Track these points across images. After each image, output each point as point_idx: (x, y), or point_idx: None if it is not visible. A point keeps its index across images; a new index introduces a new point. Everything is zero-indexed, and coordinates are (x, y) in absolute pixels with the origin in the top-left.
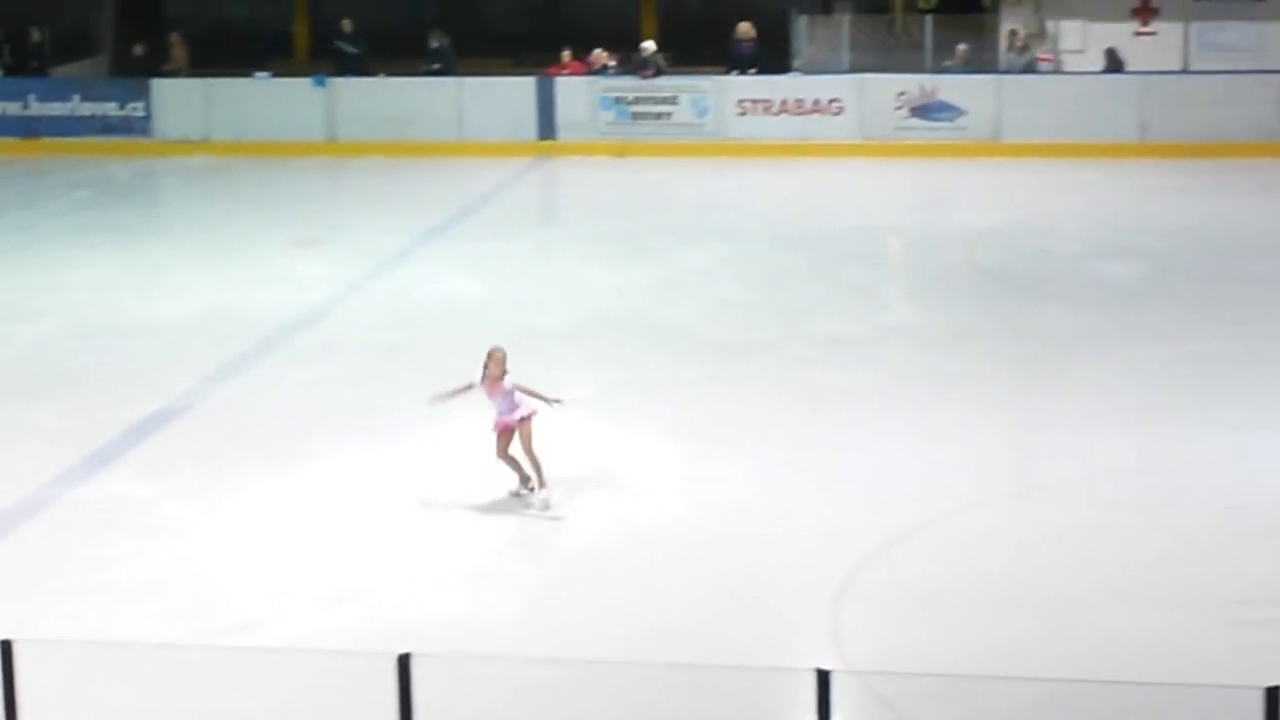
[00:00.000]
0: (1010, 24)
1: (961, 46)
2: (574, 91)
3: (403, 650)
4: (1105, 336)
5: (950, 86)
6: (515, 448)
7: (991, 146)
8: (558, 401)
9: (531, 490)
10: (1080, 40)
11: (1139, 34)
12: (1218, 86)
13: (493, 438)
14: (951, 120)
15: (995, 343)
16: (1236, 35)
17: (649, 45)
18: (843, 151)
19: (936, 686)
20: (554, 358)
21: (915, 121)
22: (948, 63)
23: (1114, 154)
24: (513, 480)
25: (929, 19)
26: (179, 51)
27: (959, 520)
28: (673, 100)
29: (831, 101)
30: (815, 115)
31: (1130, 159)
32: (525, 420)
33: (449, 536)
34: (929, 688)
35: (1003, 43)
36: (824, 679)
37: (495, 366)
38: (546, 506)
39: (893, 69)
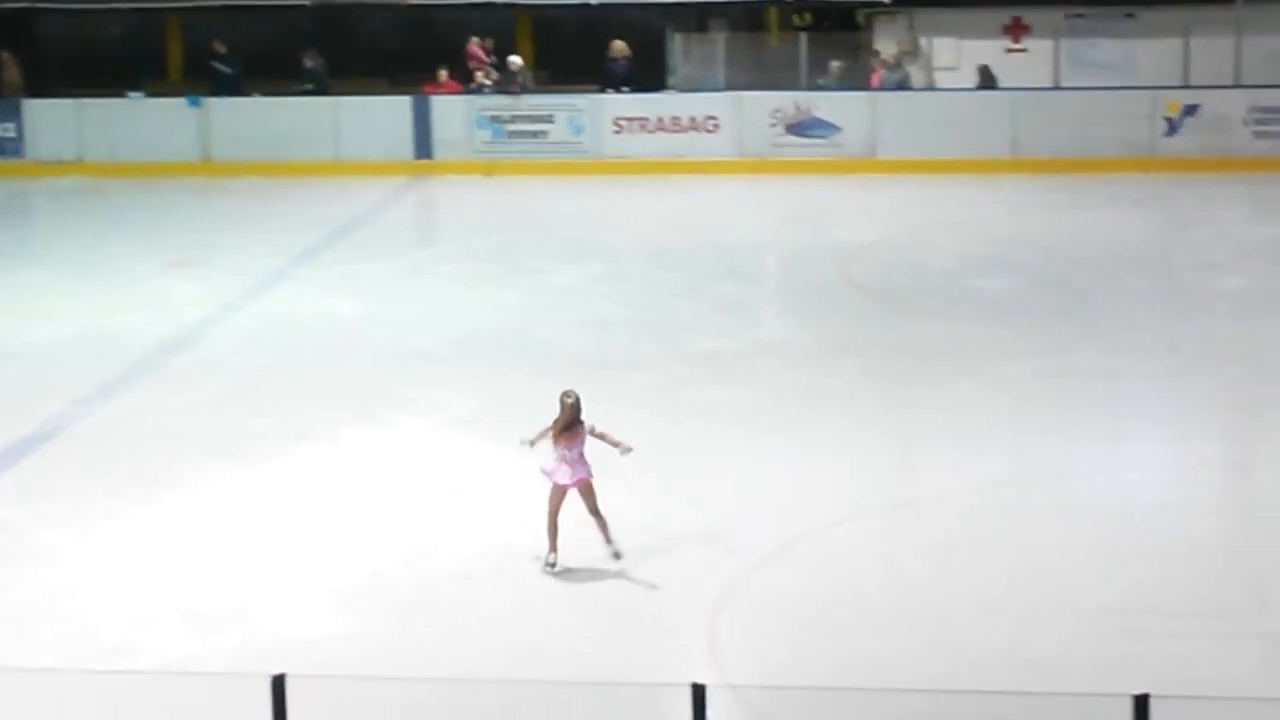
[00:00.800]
0: (884, 41)
1: (836, 64)
2: (450, 110)
3: (277, 672)
4: (978, 351)
5: (825, 104)
6: (568, 508)
7: (866, 163)
8: (629, 450)
9: (617, 555)
10: (953, 57)
11: (1010, 51)
12: (1088, 103)
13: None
14: (827, 137)
15: (869, 358)
16: (1107, 52)
17: (516, 60)
18: (719, 169)
19: (812, 699)
20: (430, 378)
21: (791, 139)
22: (822, 80)
23: (987, 170)
24: (541, 549)
25: (804, 36)
26: (11, 72)
27: (834, 535)
28: (549, 119)
29: (707, 119)
30: (691, 133)
31: (1003, 174)
32: (584, 482)
33: (324, 557)
34: (805, 701)
35: (876, 61)
36: (699, 693)
37: (567, 413)
38: (618, 556)
39: (768, 86)
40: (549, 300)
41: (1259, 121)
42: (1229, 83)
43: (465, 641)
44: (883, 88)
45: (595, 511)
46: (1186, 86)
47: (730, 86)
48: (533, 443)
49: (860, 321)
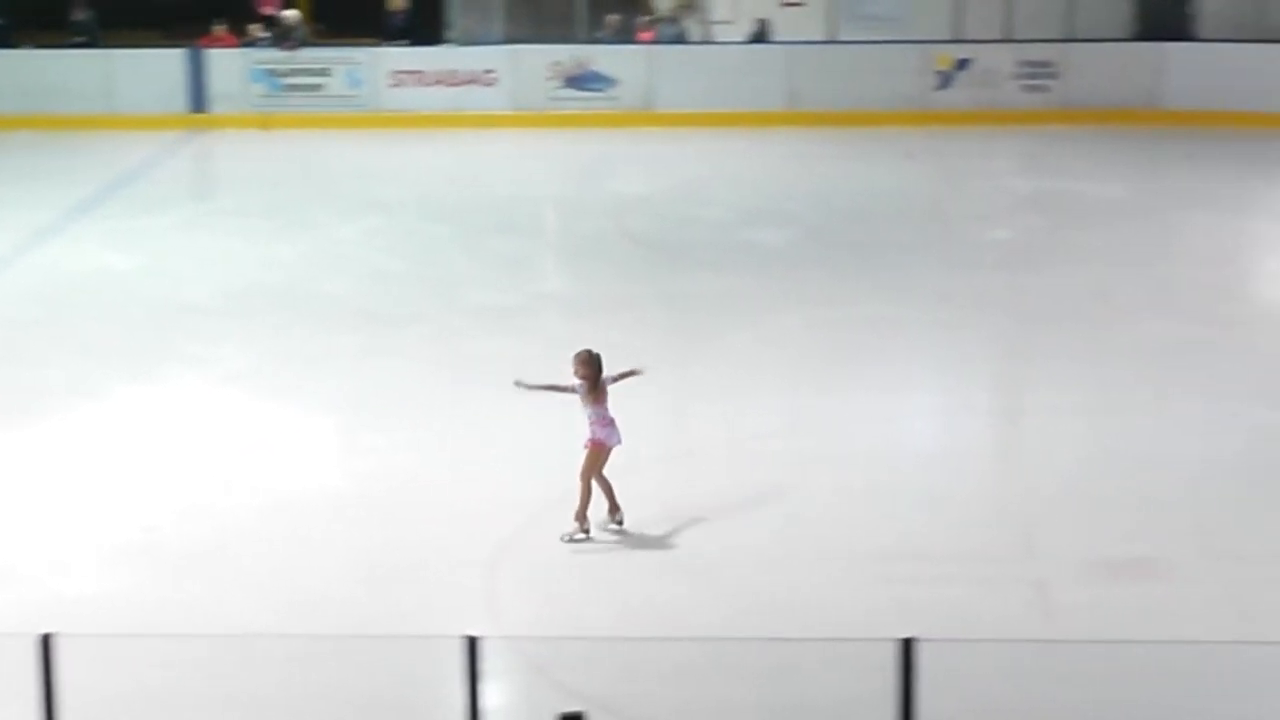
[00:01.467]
0: None
1: (613, 17)
2: (225, 64)
3: (45, 630)
4: (754, 302)
5: (602, 57)
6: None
7: (643, 116)
8: (642, 371)
9: (620, 523)
10: (730, 11)
11: (786, 4)
12: (864, 56)
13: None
14: (604, 91)
15: (646, 310)
16: (882, 6)
17: (292, 15)
18: (496, 122)
19: (589, 649)
20: (207, 332)
21: (568, 92)
22: (600, 34)
23: (763, 123)
24: (601, 509)
25: None
26: None
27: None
28: (326, 72)
29: (485, 72)
30: (469, 86)
31: (778, 128)
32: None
33: (96, 514)
34: (582, 651)
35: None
36: (472, 645)
37: (582, 368)
38: (620, 526)
39: (545, 40)
40: (327, 254)
41: (1028, 75)
42: (999, 37)
43: (239, 598)
44: (659, 41)
45: (600, 475)
46: (958, 41)
47: (508, 40)
48: (527, 386)
49: (637, 274)
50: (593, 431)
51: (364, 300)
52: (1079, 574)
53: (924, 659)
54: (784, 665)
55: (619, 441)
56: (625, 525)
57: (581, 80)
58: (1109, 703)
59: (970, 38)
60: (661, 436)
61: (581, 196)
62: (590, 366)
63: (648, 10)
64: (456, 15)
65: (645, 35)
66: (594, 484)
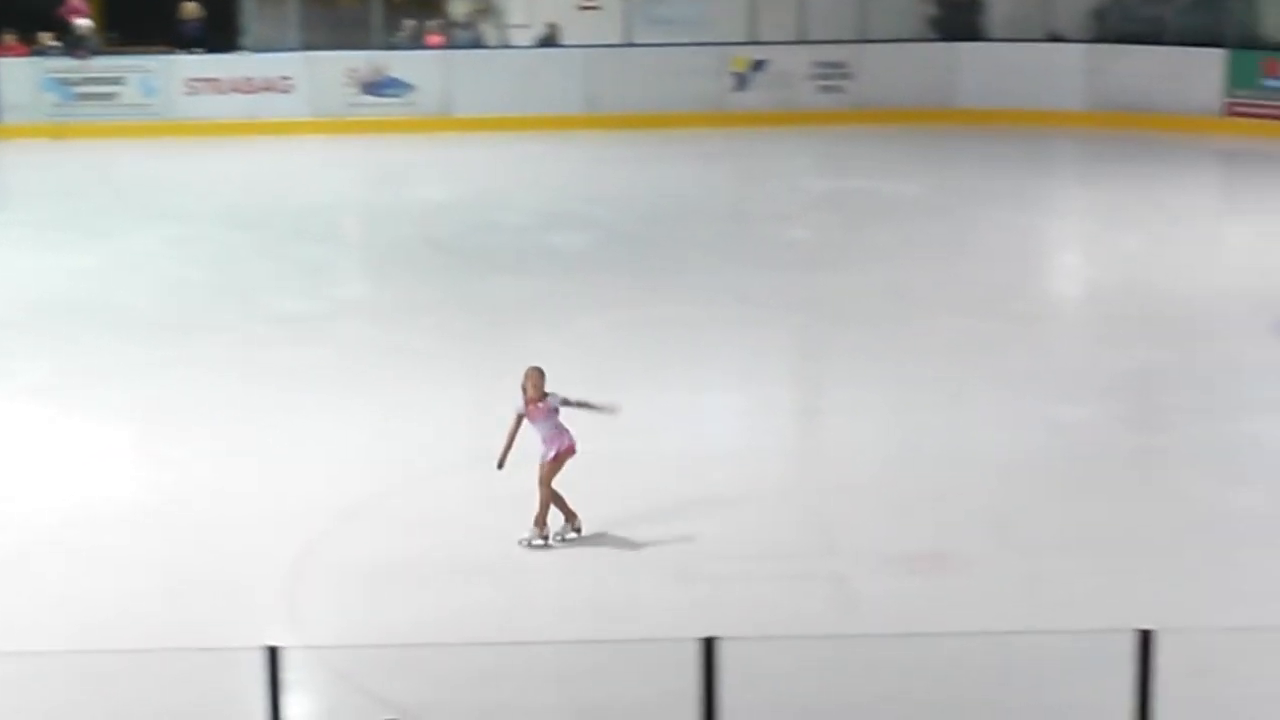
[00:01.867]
0: (458, 1)
1: (409, 23)
2: (16, 73)
3: None
4: (556, 306)
5: (399, 63)
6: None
7: (442, 121)
8: (613, 411)
9: (578, 531)
10: (526, 15)
11: (583, 8)
12: (660, 59)
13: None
14: (402, 96)
15: (448, 316)
16: (677, 9)
17: (84, 23)
18: (294, 129)
19: (394, 657)
20: (5, 346)
21: (366, 98)
22: (395, 39)
23: (562, 126)
24: (558, 521)
25: None
26: None
27: (415, 492)
28: (119, 81)
29: (282, 79)
30: (265, 93)
31: (578, 131)
32: (567, 452)
33: None
34: (386, 658)
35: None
36: (273, 656)
37: (533, 388)
38: (564, 537)
39: (343, 46)
40: (124, 264)
41: (823, 76)
42: (793, 39)
43: (32, 615)
44: (455, 46)
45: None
46: (754, 43)
47: (305, 47)
48: (501, 464)
49: (439, 280)
50: (556, 446)
51: (163, 310)
52: (879, 568)
53: (726, 657)
54: (589, 668)
55: (566, 447)
56: (581, 532)
57: (379, 86)
58: (910, 694)
59: (765, 40)
60: (468, 441)
61: (382, 203)
62: (531, 385)
63: (441, 16)
64: (251, 22)
65: (434, 40)
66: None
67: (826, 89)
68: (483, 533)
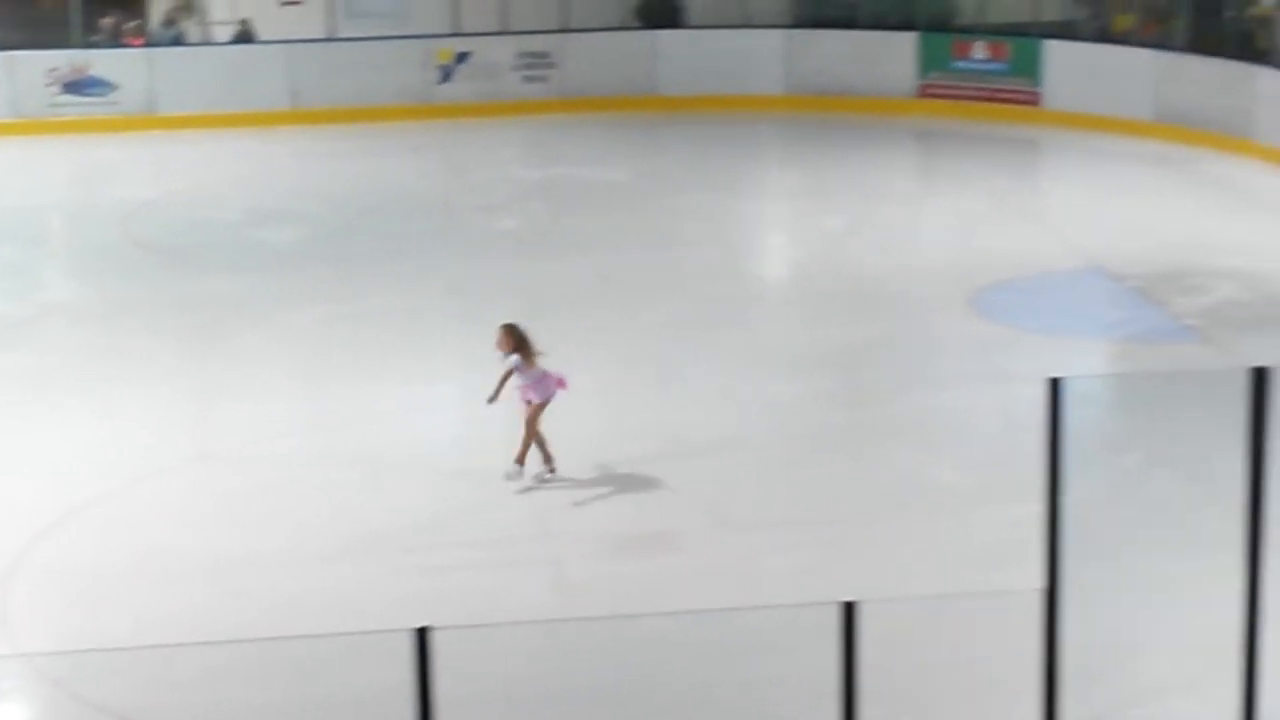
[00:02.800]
0: None
1: (106, 20)
2: None
3: None
4: (268, 302)
5: (102, 62)
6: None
7: (147, 120)
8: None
9: (553, 472)
10: (229, 12)
11: (286, 4)
12: (365, 53)
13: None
14: (105, 95)
15: (159, 316)
16: (379, 3)
17: None
18: None
19: (111, 662)
20: None
21: (68, 98)
22: (95, 37)
23: (268, 122)
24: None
25: None
26: None
27: (130, 494)
28: None
29: None
30: None
31: (284, 126)
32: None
33: None
34: (104, 664)
35: (154, 19)
36: None
37: (505, 343)
38: (542, 479)
39: (41, 45)
40: None
41: (527, 66)
42: (498, 30)
43: None
44: (157, 44)
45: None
46: (457, 34)
47: (3, 46)
48: (492, 399)
49: (148, 280)
50: (524, 395)
51: None
52: (594, 552)
53: (442, 646)
54: (307, 662)
55: (551, 394)
56: (555, 473)
57: (81, 86)
58: (626, 676)
59: (469, 31)
60: (182, 440)
61: (87, 203)
62: (518, 338)
63: (142, 14)
64: None
65: (135, 41)
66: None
67: (531, 79)
68: (201, 531)
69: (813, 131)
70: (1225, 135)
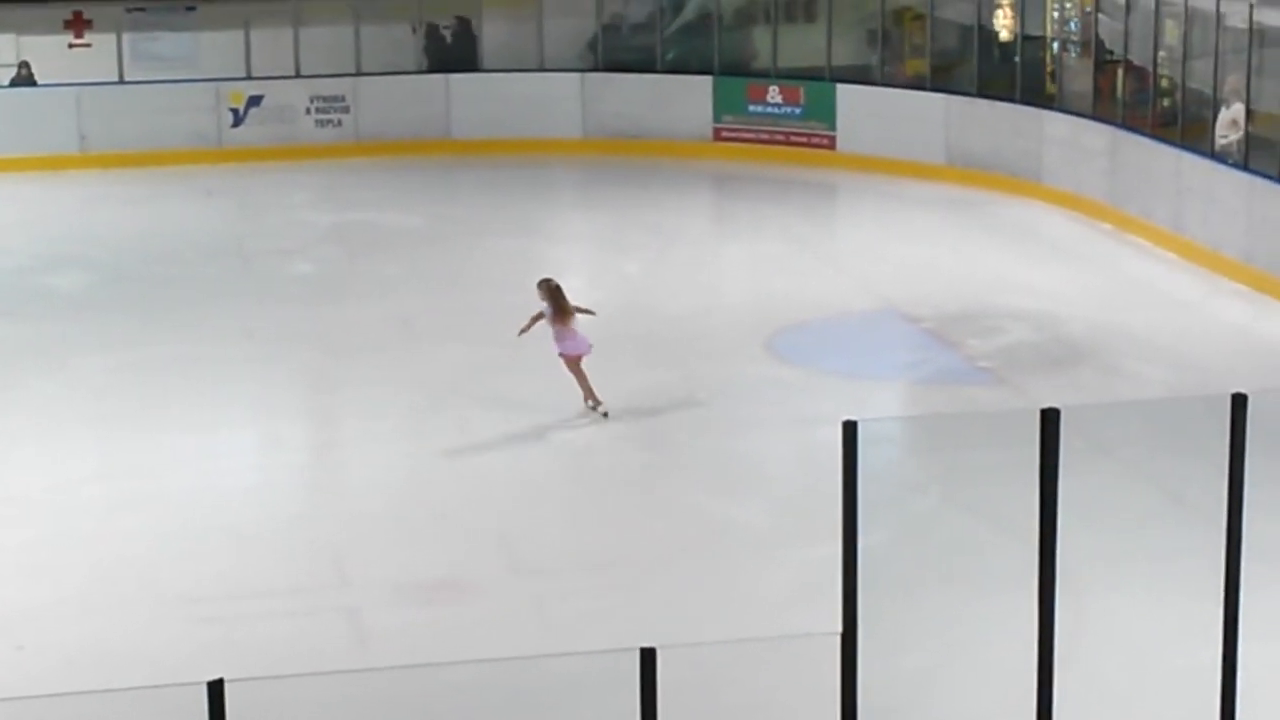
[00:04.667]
0: None
1: None
2: None
3: None
4: (55, 348)
5: None
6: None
7: None
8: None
9: (594, 408)
10: (14, 54)
11: (73, 45)
12: (154, 96)
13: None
14: None
15: None
16: (169, 45)
17: None
18: None
19: None
20: None
21: None
22: None
23: (54, 166)
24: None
25: None
26: None
27: None
28: None
29: None
30: None
31: (71, 170)
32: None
33: None
34: None
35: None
36: None
37: (546, 298)
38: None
39: None
40: None
41: (320, 110)
42: (290, 73)
43: None
44: None
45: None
46: (250, 78)
47: None
48: (521, 332)
49: None
50: (558, 347)
51: None
52: (391, 600)
53: (238, 699)
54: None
55: (585, 349)
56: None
57: None
58: None
59: (261, 74)
60: None
61: None
62: (551, 293)
63: None
64: None
65: None
66: (578, 376)
67: (324, 123)
68: None
69: (609, 175)
70: (1015, 179)
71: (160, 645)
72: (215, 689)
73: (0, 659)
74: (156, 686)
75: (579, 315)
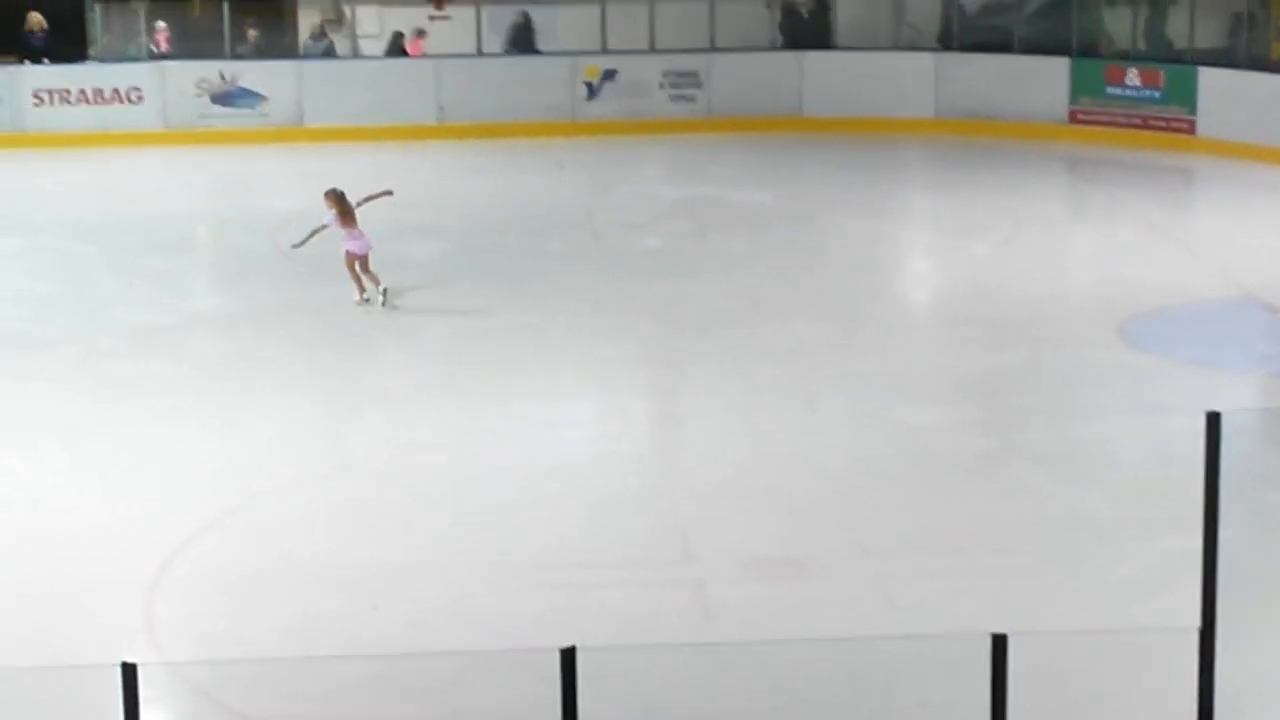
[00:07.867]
0: (308, 10)
1: (252, 32)
2: None
3: None
4: (408, 314)
5: (252, 73)
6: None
7: (294, 131)
8: (389, 193)
9: (368, 300)
10: (377, 25)
11: (434, 18)
12: (512, 69)
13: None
14: (254, 107)
15: (299, 325)
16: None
17: None
18: (144, 140)
19: (254, 671)
20: None
21: (217, 109)
22: (241, 49)
23: (413, 136)
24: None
25: (226, 6)
26: None
27: (269, 504)
28: None
29: (131, 90)
30: (115, 104)
31: (429, 140)
32: (365, 252)
33: None
34: (246, 673)
35: (303, 31)
36: (130, 672)
37: (334, 205)
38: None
39: (193, 56)
40: None
41: (674, 85)
42: (645, 49)
43: None
44: (306, 56)
45: (368, 270)
46: (605, 52)
47: (154, 57)
48: (298, 245)
49: (289, 290)
50: (346, 245)
51: (4, 322)
52: (735, 575)
53: (586, 667)
54: (448, 678)
55: (367, 249)
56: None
57: (230, 97)
58: (768, 701)
59: (616, 49)
60: (318, 451)
61: (233, 213)
62: (336, 201)
63: (293, 26)
64: (99, 33)
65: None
66: (356, 275)
67: (678, 98)
68: (338, 542)
69: (960, 156)
70: None
71: (508, 610)
72: (568, 655)
73: (356, 617)
74: (509, 650)
75: (373, 204)
